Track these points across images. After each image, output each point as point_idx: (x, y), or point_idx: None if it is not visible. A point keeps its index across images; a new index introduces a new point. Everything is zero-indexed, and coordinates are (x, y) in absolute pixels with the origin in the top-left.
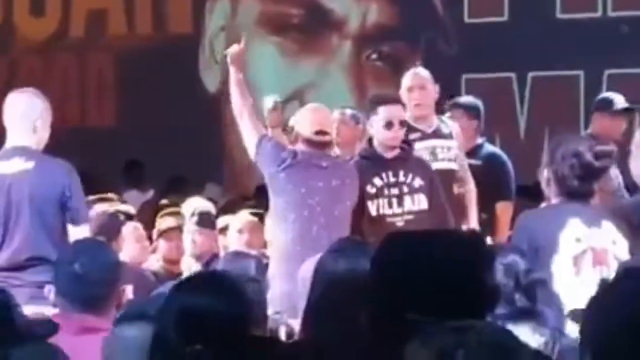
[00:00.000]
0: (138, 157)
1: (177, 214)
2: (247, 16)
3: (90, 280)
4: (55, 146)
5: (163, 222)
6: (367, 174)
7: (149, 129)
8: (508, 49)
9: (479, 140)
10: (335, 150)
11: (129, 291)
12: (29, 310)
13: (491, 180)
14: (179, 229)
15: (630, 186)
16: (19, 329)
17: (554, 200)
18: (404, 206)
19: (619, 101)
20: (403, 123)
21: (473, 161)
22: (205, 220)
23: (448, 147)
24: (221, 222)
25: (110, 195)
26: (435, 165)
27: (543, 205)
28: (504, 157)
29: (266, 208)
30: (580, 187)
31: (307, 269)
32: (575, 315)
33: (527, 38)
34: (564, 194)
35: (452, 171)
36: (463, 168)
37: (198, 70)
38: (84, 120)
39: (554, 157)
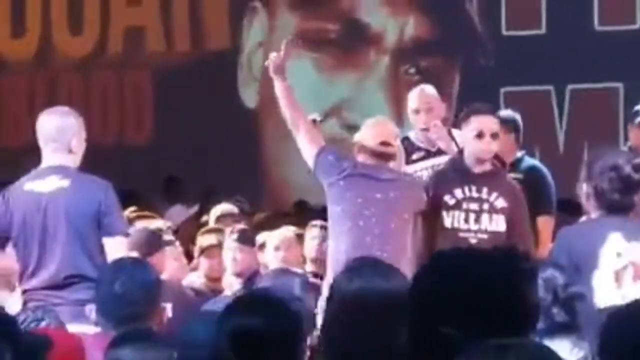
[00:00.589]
0: (176, 174)
1: (218, 230)
2: (284, 32)
3: (130, 299)
4: (94, 163)
5: (204, 240)
6: (449, 184)
7: (187, 145)
8: (546, 61)
9: (519, 154)
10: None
11: (168, 309)
12: (73, 329)
13: (532, 194)
14: (219, 246)
15: None
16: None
17: (594, 215)
18: (481, 223)
19: None
20: (495, 135)
21: (514, 174)
22: (245, 237)
23: None
24: (260, 238)
25: (149, 213)
26: None
27: (583, 219)
28: (545, 170)
29: (305, 224)
30: (620, 200)
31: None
32: None
33: (565, 50)
34: (604, 208)
35: None
36: None
37: (236, 86)
38: (123, 137)
39: (592, 171)
